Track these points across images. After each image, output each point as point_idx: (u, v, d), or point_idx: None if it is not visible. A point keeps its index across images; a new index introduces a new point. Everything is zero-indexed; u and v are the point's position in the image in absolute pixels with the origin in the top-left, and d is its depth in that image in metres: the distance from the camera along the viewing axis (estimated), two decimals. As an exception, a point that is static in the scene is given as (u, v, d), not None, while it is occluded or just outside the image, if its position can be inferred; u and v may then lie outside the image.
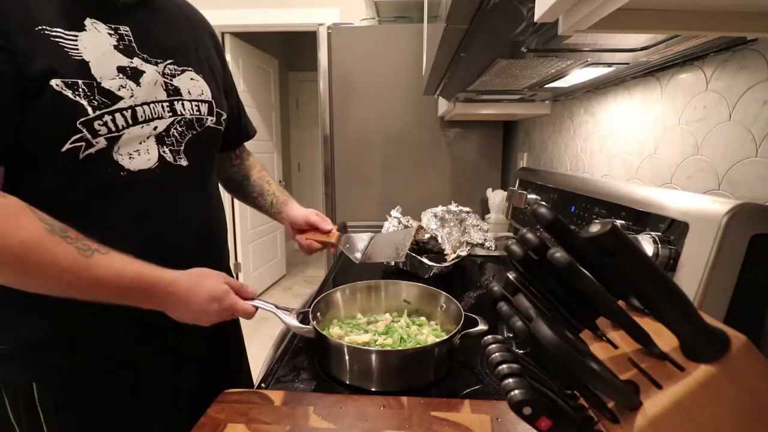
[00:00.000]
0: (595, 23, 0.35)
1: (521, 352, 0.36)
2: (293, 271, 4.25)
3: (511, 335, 0.75)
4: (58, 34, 0.53)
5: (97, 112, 0.56)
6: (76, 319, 0.61)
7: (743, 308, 0.52)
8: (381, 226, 1.25)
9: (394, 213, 1.25)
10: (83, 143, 0.56)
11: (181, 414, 0.68)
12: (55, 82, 0.53)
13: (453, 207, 1.25)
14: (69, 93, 0.54)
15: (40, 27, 0.52)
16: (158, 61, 0.64)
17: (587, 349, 0.31)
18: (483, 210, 1.77)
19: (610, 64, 0.77)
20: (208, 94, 0.72)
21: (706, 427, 0.28)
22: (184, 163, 0.67)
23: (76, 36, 0.55)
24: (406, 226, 1.21)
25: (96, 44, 0.57)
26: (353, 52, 1.76)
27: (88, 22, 0.57)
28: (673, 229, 0.59)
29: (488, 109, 1.40)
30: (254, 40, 3.23)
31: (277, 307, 0.69)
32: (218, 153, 0.79)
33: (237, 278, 0.87)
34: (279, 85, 3.80)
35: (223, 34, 2.79)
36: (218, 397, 0.61)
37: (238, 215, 3.09)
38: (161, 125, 0.64)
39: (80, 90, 0.54)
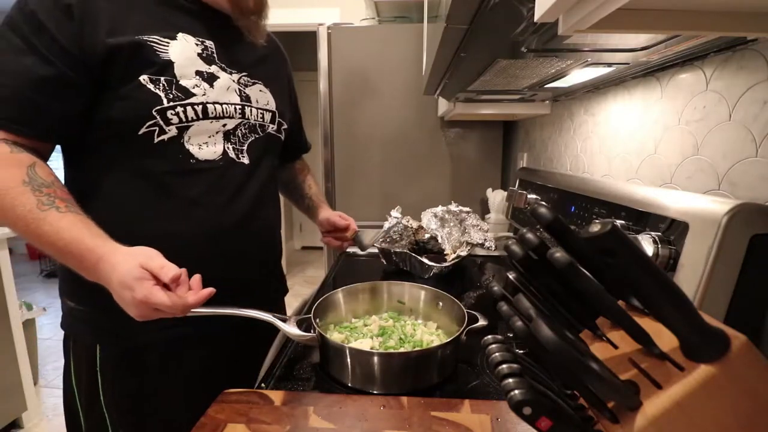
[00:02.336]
0: (595, 23, 0.35)
1: (521, 352, 0.36)
2: (293, 271, 4.25)
3: (511, 335, 0.75)
4: (154, 40, 0.65)
5: (171, 103, 0.65)
6: None
7: (743, 308, 0.52)
8: (381, 227, 1.25)
9: (394, 213, 1.25)
10: (157, 128, 0.65)
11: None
12: (143, 77, 0.63)
13: (453, 207, 1.24)
14: (151, 86, 0.64)
15: (140, 36, 0.63)
16: (233, 71, 0.75)
17: (587, 349, 0.31)
18: (483, 210, 1.77)
19: (610, 64, 0.77)
20: (273, 105, 0.82)
21: (706, 427, 0.28)
22: (245, 161, 0.76)
23: (168, 43, 0.66)
24: (406, 226, 1.21)
25: (182, 50, 0.67)
26: (353, 52, 1.76)
27: (180, 35, 0.68)
28: (673, 229, 0.59)
29: (488, 109, 1.40)
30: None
31: (274, 316, 0.68)
32: (277, 159, 0.89)
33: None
34: (279, 85, 3.80)
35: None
36: (218, 397, 0.61)
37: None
38: (230, 124, 0.73)
39: (161, 84, 0.65)
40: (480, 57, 0.79)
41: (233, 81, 0.74)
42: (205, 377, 0.75)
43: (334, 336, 0.73)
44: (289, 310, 0.97)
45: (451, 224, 1.22)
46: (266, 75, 0.82)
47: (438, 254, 1.21)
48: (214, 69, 0.71)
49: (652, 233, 0.60)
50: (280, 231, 0.91)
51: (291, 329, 0.67)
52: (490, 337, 0.36)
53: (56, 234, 0.56)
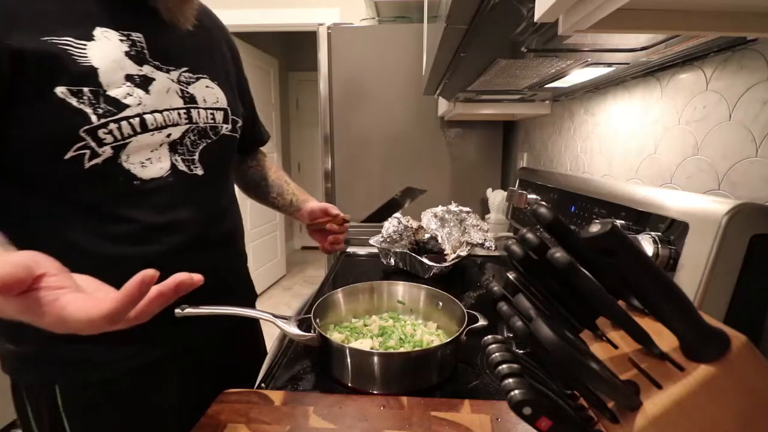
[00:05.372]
0: (595, 23, 0.35)
1: (521, 352, 0.36)
2: (293, 271, 4.25)
3: (511, 335, 0.75)
4: (67, 42, 0.52)
5: (102, 120, 0.54)
6: None
7: (743, 308, 0.52)
8: (381, 226, 1.25)
9: (395, 213, 1.25)
10: (87, 151, 0.55)
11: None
12: (60, 90, 0.51)
13: (453, 207, 1.24)
14: (73, 101, 0.52)
15: (46, 37, 0.51)
16: (171, 68, 0.63)
17: (587, 349, 0.31)
18: (483, 210, 1.77)
19: (610, 64, 0.77)
20: (223, 102, 0.71)
21: (706, 427, 0.28)
22: (199, 172, 0.67)
23: (85, 45, 0.53)
24: (406, 226, 1.21)
25: (106, 52, 0.55)
26: (353, 52, 1.77)
27: (97, 31, 0.55)
28: (673, 229, 0.59)
29: (488, 109, 1.40)
30: (254, 40, 3.24)
31: (274, 316, 0.68)
32: (233, 159, 0.79)
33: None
34: (279, 85, 3.80)
35: (223, 34, 2.79)
36: (218, 397, 0.61)
37: (238, 215, 3.08)
38: (176, 132, 0.63)
39: (85, 98, 0.53)
40: (480, 57, 0.79)
41: (172, 80, 0.63)
42: (191, 393, 0.68)
43: (334, 336, 0.73)
44: (289, 310, 0.97)
45: (451, 224, 1.22)
46: (211, 65, 0.71)
47: (438, 254, 1.21)
48: (147, 69, 0.59)
49: (652, 233, 0.60)
50: (243, 239, 0.84)
51: (291, 329, 0.67)
52: (490, 337, 0.36)
53: None
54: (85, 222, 0.57)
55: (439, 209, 1.25)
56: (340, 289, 0.83)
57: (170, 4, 0.61)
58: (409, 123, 1.81)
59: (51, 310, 0.36)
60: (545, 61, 0.77)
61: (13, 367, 0.62)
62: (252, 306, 0.89)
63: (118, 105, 0.56)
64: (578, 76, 0.88)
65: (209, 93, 0.69)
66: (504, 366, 0.32)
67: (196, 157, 0.66)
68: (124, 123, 0.56)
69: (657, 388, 0.29)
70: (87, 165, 0.55)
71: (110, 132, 0.55)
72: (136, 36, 0.59)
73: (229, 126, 0.72)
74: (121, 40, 0.57)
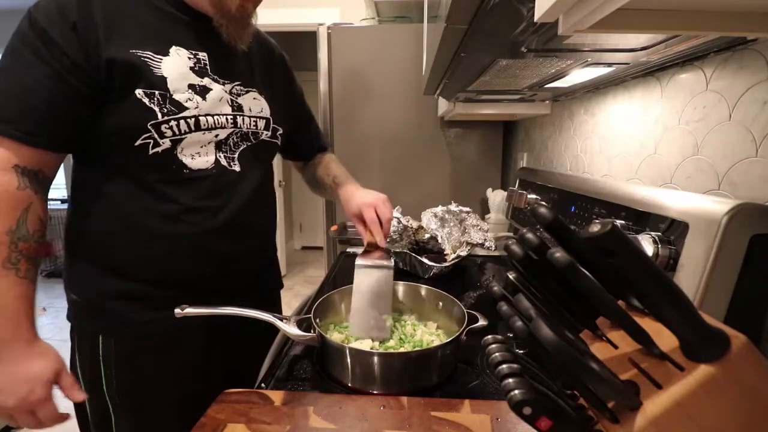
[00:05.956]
0: (595, 23, 0.35)
1: (521, 352, 0.36)
2: (293, 271, 4.25)
3: (511, 335, 0.75)
4: (147, 55, 0.66)
5: (165, 118, 0.67)
6: (141, 282, 0.72)
7: (743, 308, 0.52)
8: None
9: (395, 213, 1.24)
10: (151, 141, 0.67)
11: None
12: (138, 91, 0.65)
13: (453, 207, 1.24)
14: (146, 100, 0.66)
15: (134, 50, 0.65)
16: (226, 81, 0.75)
17: (587, 349, 0.31)
18: (483, 210, 1.77)
19: (610, 64, 0.77)
20: (267, 112, 0.82)
21: (706, 427, 0.28)
22: (237, 168, 0.77)
23: (161, 59, 0.67)
24: (406, 226, 1.21)
25: (175, 66, 0.69)
26: (353, 52, 1.76)
27: (172, 49, 0.69)
28: (673, 229, 0.59)
29: (488, 109, 1.40)
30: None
31: (274, 316, 0.68)
32: (271, 164, 0.90)
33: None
34: (279, 85, 3.80)
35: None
36: (218, 396, 0.61)
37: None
38: (222, 134, 0.75)
39: (155, 99, 0.66)
40: (480, 57, 0.79)
41: (225, 92, 0.75)
42: (204, 363, 0.79)
43: (334, 336, 0.73)
44: (289, 310, 0.97)
45: (451, 224, 1.22)
46: (261, 81, 0.83)
47: (438, 254, 1.21)
48: (206, 81, 0.72)
49: (652, 233, 0.60)
50: (274, 232, 0.93)
51: (291, 329, 0.67)
52: (490, 337, 0.36)
53: (2, 293, 0.60)
54: (141, 200, 0.70)
55: (439, 209, 1.25)
56: (339, 288, 0.83)
57: (230, 30, 0.73)
58: (409, 123, 1.81)
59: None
60: (545, 61, 0.77)
61: (72, 314, 0.75)
62: (277, 297, 0.98)
63: (180, 107, 0.69)
64: (578, 76, 0.88)
65: (255, 104, 0.80)
66: (504, 366, 0.32)
67: (236, 155, 0.77)
68: (182, 121, 0.69)
69: (657, 388, 0.29)
70: (150, 152, 0.68)
71: (171, 127, 0.68)
72: (202, 55, 0.73)
73: (269, 133, 0.83)
74: (189, 58, 0.71)
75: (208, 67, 0.73)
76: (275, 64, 0.92)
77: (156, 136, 0.67)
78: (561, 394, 0.34)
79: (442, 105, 1.56)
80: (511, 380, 0.31)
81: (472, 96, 1.30)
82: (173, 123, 0.68)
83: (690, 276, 0.54)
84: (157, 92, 0.66)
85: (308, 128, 1.05)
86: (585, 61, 0.74)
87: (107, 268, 0.72)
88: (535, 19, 0.37)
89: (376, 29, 2.00)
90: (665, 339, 0.31)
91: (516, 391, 0.30)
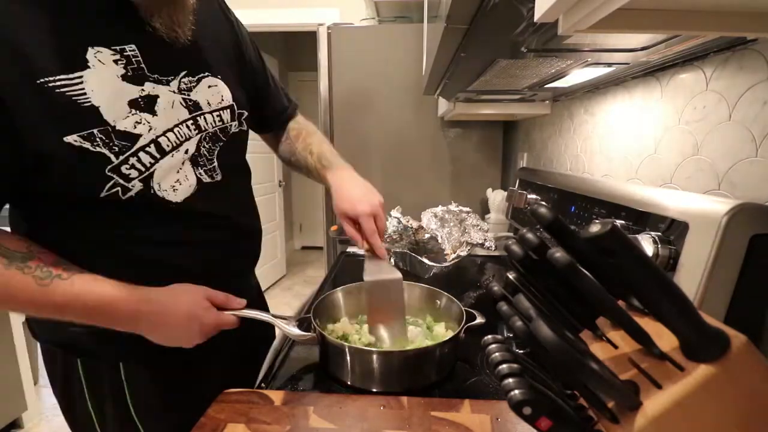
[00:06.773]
0: (595, 23, 0.35)
1: (521, 352, 0.36)
2: (293, 271, 4.25)
3: (511, 335, 0.75)
4: (62, 82, 0.50)
5: (120, 158, 0.54)
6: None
7: (743, 308, 0.52)
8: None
9: (394, 213, 1.25)
10: (119, 188, 0.55)
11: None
12: (72, 138, 0.51)
13: (453, 207, 1.25)
14: (88, 145, 0.52)
15: (41, 80, 0.48)
16: (170, 78, 0.60)
17: (587, 349, 0.31)
18: (483, 210, 1.77)
19: (610, 64, 0.77)
20: (228, 98, 0.69)
21: (706, 427, 0.28)
22: (219, 177, 0.68)
23: (81, 77, 0.51)
24: (406, 226, 1.21)
25: (102, 82, 0.53)
26: (353, 52, 1.76)
27: (90, 54, 0.52)
28: (673, 229, 0.59)
29: (488, 109, 1.40)
30: (254, 40, 3.23)
31: (274, 316, 0.68)
32: (245, 153, 0.79)
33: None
34: (279, 85, 3.81)
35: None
36: (218, 397, 0.61)
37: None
38: (191, 146, 0.63)
39: (98, 140, 0.52)
40: (480, 57, 0.79)
41: (174, 92, 0.60)
42: (204, 363, 0.73)
43: (334, 336, 0.73)
44: (289, 310, 0.97)
45: (451, 224, 1.22)
46: (211, 58, 0.67)
47: (438, 254, 1.22)
48: (148, 87, 0.57)
49: (652, 233, 0.60)
50: (259, 236, 0.83)
51: (291, 329, 0.67)
52: (489, 337, 0.36)
53: (76, 299, 0.53)
54: (129, 242, 0.61)
55: (439, 209, 1.25)
56: (339, 288, 0.83)
57: (164, 17, 0.57)
58: (409, 123, 1.81)
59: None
60: (545, 61, 0.77)
61: (81, 347, 0.65)
62: (260, 296, 0.92)
63: (130, 138, 0.55)
64: (578, 76, 0.88)
65: (213, 93, 0.66)
66: (504, 366, 0.32)
67: (216, 164, 0.67)
68: (141, 154, 0.56)
69: (657, 388, 0.29)
70: (123, 198, 0.56)
71: (132, 166, 0.56)
72: (131, 50, 0.56)
73: (236, 122, 0.71)
74: (115, 61, 0.54)
75: (143, 66, 0.57)
76: (219, 23, 0.73)
77: (121, 181, 0.55)
78: (561, 394, 0.34)
79: (442, 105, 1.56)
80: (511, 380, 0.31)
81: (472, 96, 1.30)
82: (132, 160, 0.55)
83: (690, 276, 0.54)
84: (95, 131, 0.52)
85: (270, 92, 0.87)
86: (585, 61, 0.74)
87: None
88: (535, 19, 0.37)
89: (376, 29, 2.00)
90: (665, 339, 0.31)
91: (516, 391, 0.30)
